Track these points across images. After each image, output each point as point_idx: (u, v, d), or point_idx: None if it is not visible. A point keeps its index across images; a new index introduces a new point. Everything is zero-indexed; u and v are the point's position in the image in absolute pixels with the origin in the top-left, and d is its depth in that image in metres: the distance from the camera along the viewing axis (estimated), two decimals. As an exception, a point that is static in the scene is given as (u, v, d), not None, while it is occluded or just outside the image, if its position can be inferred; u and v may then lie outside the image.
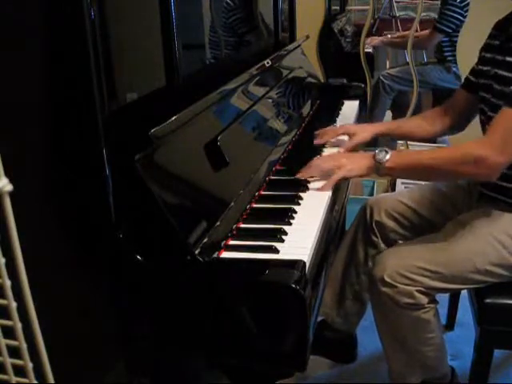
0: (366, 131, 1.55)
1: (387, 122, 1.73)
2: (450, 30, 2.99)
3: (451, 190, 1.54)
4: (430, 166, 1.26)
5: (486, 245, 1.28)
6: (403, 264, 1.28)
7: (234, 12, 1.52)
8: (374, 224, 1.53)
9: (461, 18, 2.93)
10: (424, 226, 1.51)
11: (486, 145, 1.20)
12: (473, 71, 1.49)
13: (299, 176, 1.28)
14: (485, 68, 1.37)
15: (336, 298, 1.61)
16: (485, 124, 1.36)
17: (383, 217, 1.53)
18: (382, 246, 1.54)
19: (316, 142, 1.54)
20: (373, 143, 3.27)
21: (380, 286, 1.29)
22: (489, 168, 1.19)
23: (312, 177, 1.28)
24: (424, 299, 1.28)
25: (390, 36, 3.52)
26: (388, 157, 1.25)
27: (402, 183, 2.67)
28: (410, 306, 1.28)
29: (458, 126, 1.59)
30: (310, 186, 1.25)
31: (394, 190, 2.68)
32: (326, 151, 1.50)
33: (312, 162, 1.31)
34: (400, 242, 1.54)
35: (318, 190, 1.23)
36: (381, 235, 1.54)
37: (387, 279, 1.27)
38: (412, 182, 2.58)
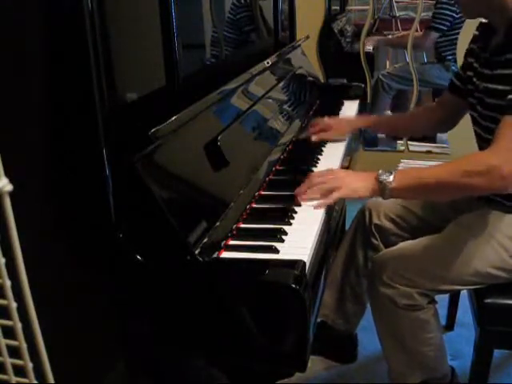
0: (346, 125, 1.61)
1: (370, 116, 1.72)
2: (445, 28, 3.01)
3: None
4: (439, 181, 1.17)
5: (487, 248, 1.27)
6: (403, 265, 1.27)
7: (242, 9, 1.53)
8: (373, 227, 1.53)
9: (454, 14, 2.95)
10: (424, 227, 1.50)
11: (497, 154, 1.13)
12: (458, 76, 1.49)
13: (297, 194, 1.18)
14: (473, 79, 1.35)
15: (336, 299, 1.61)
16: (479, 133, 1.35)
17: (382, 220, 1.52)
18: (383, 248, 1.53)
19: (314, 138, 1.56)
20: (373, 144, 3.26)
21: (379, 287, 1.28)
22: (504, 178, 1.11)
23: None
24: (423, 300, 1.28)
25: (390, 36, 3.52)
26: (392, 177, 1.15)
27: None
28: (409, 307, 1.28)
29: (444, 126, 1.63)
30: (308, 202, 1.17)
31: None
32: (326, 151, 1.50)
33: (312, 178, 1.20)
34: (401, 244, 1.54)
35: (315, 207, 1.14)
36: (381, 238, 1.53)
37: (386, 280, 1.26)
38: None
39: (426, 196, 1.31)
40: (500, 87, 1.22)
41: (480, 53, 1.35)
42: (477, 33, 1.42)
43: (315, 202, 1.15)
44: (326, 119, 1.65)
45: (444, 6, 2.99)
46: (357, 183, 1.19)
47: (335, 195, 1.15)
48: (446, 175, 1.16)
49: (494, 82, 1.25)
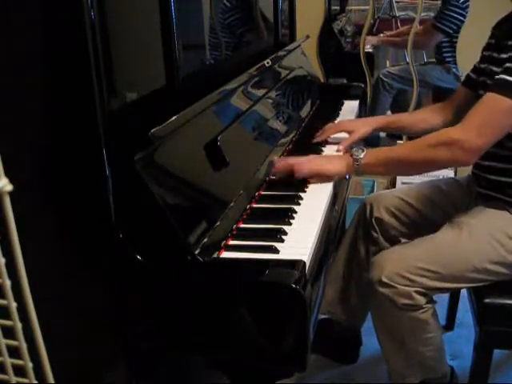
0: (365, 126, 1.56)
1: (386, 116, 1.72)
2: (451, 31, 2.99)
3: (451, 188, 1.54)
4: (407, 156, 1.25)
5: (484, 243, 1.28)
6: (401, 265, 1.28)
7: (231, 13, 1.53)
8: (373, 220, 1.54)
9: (462, 18, 2.93)
10: (423, 222, 1.51)
11: (461, 128, 1.20)
12: (474, 69, 1.50)
13: (273, 172, 1.27)
14: (483, 65, 1.38)
15: (340, 295, 1.61)
16: None
17: (383, 213, 1.53)
18: (383, 242, 1.54)
19: (316, 139, 1.54)
20: (374, 144, 3.28)
21: (378, 288, 1.28)
22: (466, 151, 1.18)
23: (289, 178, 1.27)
24: (422, 300, 1.28)
25: (388, 33, 3.51)
26: (363, 154, 1.25)
27: (402, 183, 2.68)
28: (409, 307, 1.28)
29: (456, 121, 1.61)
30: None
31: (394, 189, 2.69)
32: (326, 150, 1.50)
33: (288, 160, 1.30)
34: (401, 238, 1.54)
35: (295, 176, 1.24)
36: (381, 231, 1.54)
37: (385, 280, 1.27)
38: (412, 181, 2.58)
39: (396, 171, 1.41)
40: (496, 69, 1.25)
41: (491, 38, 1.39)
42: (493, 31, 1.43)
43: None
44: (348, 121, 1.65)
45: (454, 8, 2.95)
46: (331, 162, 1.29)
47: (308, 170, 1.24)
48: (412, 150, 1.25)
49: (497, 65, 1.28)
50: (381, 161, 1.28)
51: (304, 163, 1.26)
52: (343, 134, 1.56)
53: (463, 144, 1.17)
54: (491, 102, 1.19)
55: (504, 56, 1.25)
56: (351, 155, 1.26)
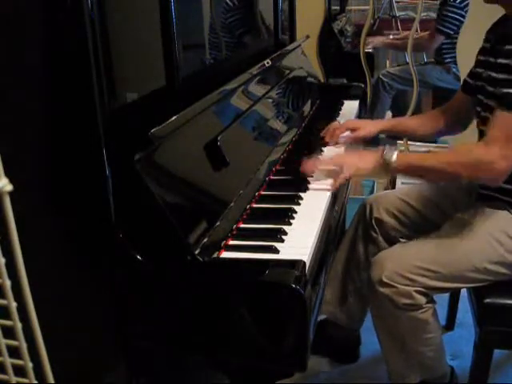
0: (371, 127, 1.59)
1: (390, 119, 1.75)
2: (452, 32, 2.99)
3: (451, 188, 1.54)
4: (438, 168, 1.27)
5: (484, 243, 1.29)
6: (402, 264, 1.28)
7: (231, 13, 1.53)
8: (373, 221, 1.54)
9: (461, 18, 2.93)
10: (423, 223, 1.51)
11: (490, 151, 1.20)
12: (470, 73, 1.50)
13: (305, 170, 1.27)
14: (479, 70, 1.38)
15: (338, 295, 1.61)
16: (479, 125, 1.37)
17: (383, 214, 1.53)
18: (382, 242, 1.54)
19: (327, 140, 1.55)
20: (374, 143, 3.28)
21: (378, 288, 1.28)
22: (497, 173, 1.21)
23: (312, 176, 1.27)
24: (422, 299, 1.28)
25: (391, 37, 3.51)
26: (395, 157, 1.26)
27: (402, 183, 2.68)
28: (409, 307, 1.28)
29: (457, 126, 1.62)
30: (312, 185, 1.25)
31: (394, 189, 2.69)
32: (326, 150, 1.50)
33: (319, 159, 1.31)
34: (400, 239, 1.54)
35: (327, 189, 1.23)
36: (380, 232, 1.54)
37: (385, 280, 1.27)
38: (412, 181, 2.59)
39: (423, 178, 1.45)
40: (496, 75, 1.24)
41: (486, 42, 1.38)
42: (487, 35, 1.43)
43: (324, 186, 1.25)
44: (354, 121, 1.67)
45: (452, 9, 2.96)
46: (362, 162, 1.30)
47: (343, 176, 1.25)
48: (443, 164, 1.27)
49: (495, 70, 1.27)
50: (412, 168, 1.30)
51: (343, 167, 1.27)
52: (346, 133, 1.58)
53: (496, 167, 1.19)
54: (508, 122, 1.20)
55: (504, 61, 1.24)
56: (381, 156, 1.27)
